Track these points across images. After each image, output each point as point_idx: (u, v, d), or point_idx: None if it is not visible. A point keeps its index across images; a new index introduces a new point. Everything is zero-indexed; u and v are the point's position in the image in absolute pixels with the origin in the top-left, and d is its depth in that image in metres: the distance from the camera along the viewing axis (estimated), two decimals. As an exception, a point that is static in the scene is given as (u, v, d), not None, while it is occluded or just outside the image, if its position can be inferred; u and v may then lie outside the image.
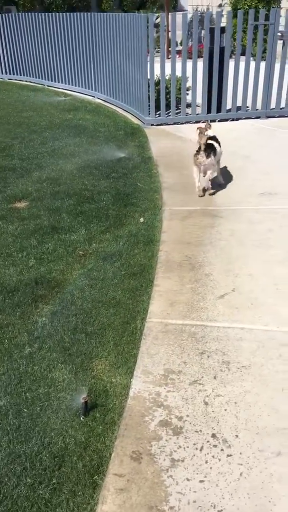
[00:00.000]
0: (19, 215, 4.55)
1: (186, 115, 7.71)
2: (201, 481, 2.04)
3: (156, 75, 7.44)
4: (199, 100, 7.66)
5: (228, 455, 2.15)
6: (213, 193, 4.96)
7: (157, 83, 7.54)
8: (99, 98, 9.42)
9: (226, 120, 7.75)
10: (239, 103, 7.70)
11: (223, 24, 7.45)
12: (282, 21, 7.61)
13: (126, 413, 2.38)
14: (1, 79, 11.85)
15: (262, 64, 7.55)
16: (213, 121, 7.55)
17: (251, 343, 2.83)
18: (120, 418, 2.36)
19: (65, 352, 2.80)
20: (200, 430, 2.27)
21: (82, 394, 2.41)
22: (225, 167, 5.50)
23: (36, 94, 10.06)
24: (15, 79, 11.71)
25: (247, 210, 4.60)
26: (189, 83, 7.65)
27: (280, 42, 7.79)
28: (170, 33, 8.00)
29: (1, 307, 3.21)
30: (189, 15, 11.66)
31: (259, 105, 7.79)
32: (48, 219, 4.44)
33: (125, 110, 8.47)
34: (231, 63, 7.46)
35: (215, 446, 2.20)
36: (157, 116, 7.65)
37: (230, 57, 7.60)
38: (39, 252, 3.90)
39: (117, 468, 2.11)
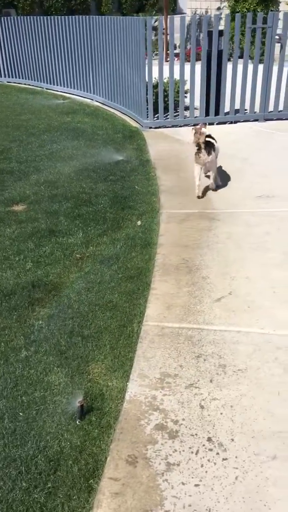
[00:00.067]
0: (17, 218, 4.56)
1: (184, 118, 7.72)
2: (196, 485, 2.04)
3: (155, 78, 7.46)
4: (197, 103, 7.67)
5: (223, 459, 2.15)
6: (215, 189, 5.05)
7: (155, 86, 7.56)
8: (97, 101, 9.44)
9: (224, 123, 7.77)
10: (237, 106, 7.72)
11: (221, 27, 7.48)
12: (279, 23, 7.62)
13: (122, 417, 2.38)
14: (0, 82, 11.86)
15: (260, 67, 7.57)
16: (211, 124, 7.55)
17: (248, 346, 2.83)
18: (116, 422, 2.36)
19: (62, 356, 2.80)
20: (196, 434, 2.27)
21: (78, 398, 2.41)
22: (223, 169, 5.51)
23: (35, 97, 10.07)
24: (14, 82, 11.73)
25: (245, 213, 4.61)
26: (187, 86, 7.67)
27: (278, 45, 7.80)
28: (168, 36, 8.01)
29: (-2, 311, 3.21)
30: (188, 18, 11.68)
31: (257, 108, 7.81)
32: (46, 222, 4.44)
33: (123, 113, 8.48)
34: (229, 66, 7.48)
35: (210, 449, 2.20)
36: (155, 119, 7.67)
37: (229, 60, 7.62)
38: (36, 255, 3.90)
39: (112, 472, 2.11)
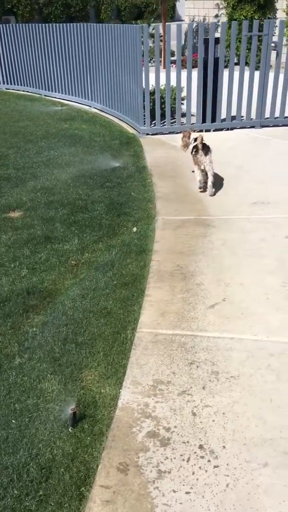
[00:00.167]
0: (13, 224, 4.57)
1: (181, 124, 7.75)
2: (187, 493, 2.04)
3: (151, 85, 7.50)
4: (194, 109, 7.71)
5: (215, 466, 2.15)
6: (213, 194, 5.26)
7: (152, 93, 7.60)
8: (95, 108, 9.48)
9: (220, 129, 7.80)
10: (233, 112, 7.75)
11: (217, 35, 7.52)
12: (276, 31, 7.68)
13: (114, 424, 2.38)
14: (-1, 89, 11.92)
15: (256, 74, 7.62)
16: (208, 130, 7.61)
17: (241, 353, 2.84)
18: (108, 429, 2.36)
19: (55, 363, 2.80)
20: (188, 441, 2.28)
21: (70, 405, 2.42)
22: (220, 176, 5.54)
23: (33, 104, 10.12)
24: (13, 89, 11.78)
25: (240, 220, 4.63)
26: (184, 93, 7.71)
27: (274, 52, 7.85)
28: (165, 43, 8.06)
29: (-8, 318, 3.22)
30: (185, 26, 11.76)
31: (253, 114, 7.84)
32: (42, 229, 4.46)
33: (121, 120, 8.52)
34: (226, 73, 7.53)
35: (202, 457, 2.20)
36: (152, 125, 7.70)
37: (225, 67, 7.66)
38: (31, 262, 3.91)
39: (103, 479, 2.11)
